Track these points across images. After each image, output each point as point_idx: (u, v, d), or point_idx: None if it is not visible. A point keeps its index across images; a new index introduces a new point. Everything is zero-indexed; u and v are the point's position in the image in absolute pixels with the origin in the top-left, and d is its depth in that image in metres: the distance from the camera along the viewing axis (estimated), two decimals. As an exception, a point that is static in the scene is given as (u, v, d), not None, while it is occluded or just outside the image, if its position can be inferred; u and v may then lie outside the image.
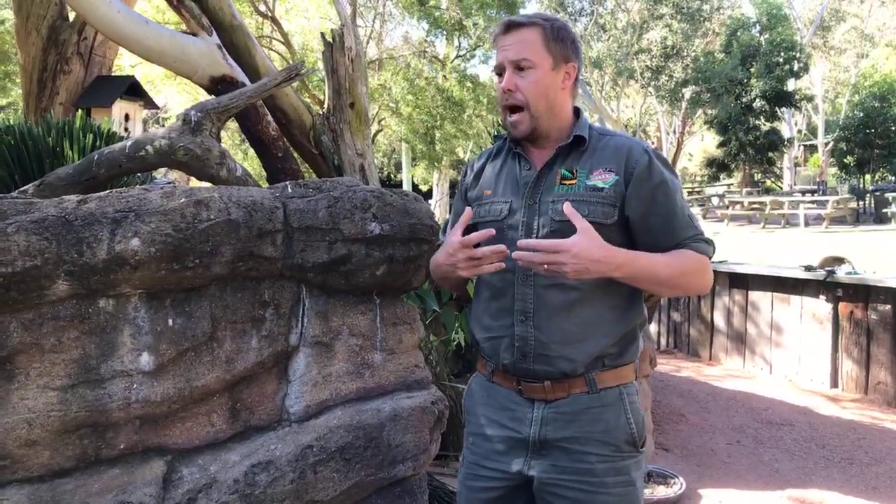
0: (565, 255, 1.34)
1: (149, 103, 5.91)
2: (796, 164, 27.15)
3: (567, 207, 1.41)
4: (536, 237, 1.50)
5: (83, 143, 3.07)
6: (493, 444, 1.56)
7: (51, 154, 3.00)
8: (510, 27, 1.54)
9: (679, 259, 1.48)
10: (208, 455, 1.81)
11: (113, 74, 5.85)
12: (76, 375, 1.65)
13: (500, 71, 1.55)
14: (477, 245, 1.47)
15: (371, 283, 2.03)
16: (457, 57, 15.34)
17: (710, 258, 1.53)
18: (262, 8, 13.52)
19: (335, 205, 1.95)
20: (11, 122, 3.14)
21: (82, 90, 5.26)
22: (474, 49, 15.28)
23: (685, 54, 21.95)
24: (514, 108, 1.53)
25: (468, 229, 1.69)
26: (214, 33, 3.08)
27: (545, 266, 1.36)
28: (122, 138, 3.24)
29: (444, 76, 14.59)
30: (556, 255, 1.35)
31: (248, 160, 14.35)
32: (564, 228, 1.47)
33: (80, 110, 4.40)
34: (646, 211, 1.49)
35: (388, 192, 2.04)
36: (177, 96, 14.46)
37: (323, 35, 3.34)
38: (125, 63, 11.00)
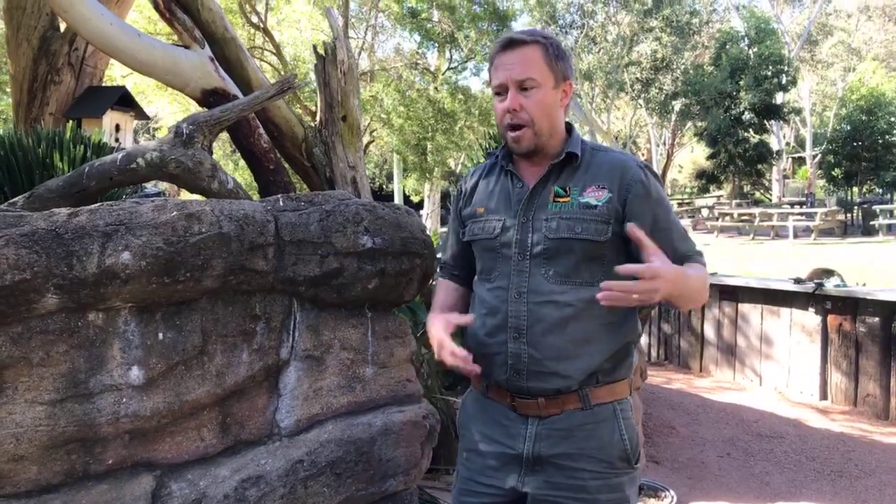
0: (659, 281, 1.31)
1: (140, 114, 5.89)
2: (785, 176, 27.37)
3: (632, 227, 1.38)
4: (530, 255, 1.50)
5: (73, 154, 3.05)
6: (487, 459, 1.55)
7: (41, 165, 2.99)
8: (511, 44, 1.51)
9: (701, 273, 1.51)
10: (198, 470, 1.80)
11: (104, 85, 5.83)
12: (64, 390, 1.64)
13: (501, 90, 1.52)
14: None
15: (363, 297, 2.03)
16: (448, 69, 15.40)
17: None
18: (255, 19, 13.54)
19: (327, 218, 1.95)
20: (1, 132, 3.13)
21: (73, 101, 5.24)
22: (466, 61, 15.36)
23: (675, 67, 22.15)
24: (517, 126, 1.52)
25: (463, 250, 1.70)
26: (207, 46, 3.08)
27: (635, 296, 1.31)
28: (112, 149, 3.23)
29: (436, 88, 14.64)
30: (651, 283, 1.30)
31: (238, 171, 14.32)
32: (558, 246, 1.48)
33: (70, 121, 4.39)
34: (650, 228, 1.49)
35: (380, 206, 2.04)
36: (168, 107, 14.43)
37: (315, 48, 3.34)
38: (116, 73, 10.98)
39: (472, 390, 1.68)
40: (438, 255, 2.12)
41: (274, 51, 13.86)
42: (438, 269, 1.84)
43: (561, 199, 1.51)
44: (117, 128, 5.41)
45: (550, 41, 1.53)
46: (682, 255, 1.51)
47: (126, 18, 5.66)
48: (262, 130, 3.34)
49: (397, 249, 2.02)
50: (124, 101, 5.54)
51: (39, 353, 1.62)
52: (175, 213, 1.74)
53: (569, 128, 1.62)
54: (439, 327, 1.54)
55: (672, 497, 3.63)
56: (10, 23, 5.14)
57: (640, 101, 23.38)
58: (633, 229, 1.38)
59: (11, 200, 2.23)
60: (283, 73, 12.91)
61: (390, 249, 2.00)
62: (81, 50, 5.19)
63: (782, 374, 6.25)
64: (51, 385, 1.63)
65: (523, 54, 1.50)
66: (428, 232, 2.12)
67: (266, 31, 13.56)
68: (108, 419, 1.67)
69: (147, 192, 5.43)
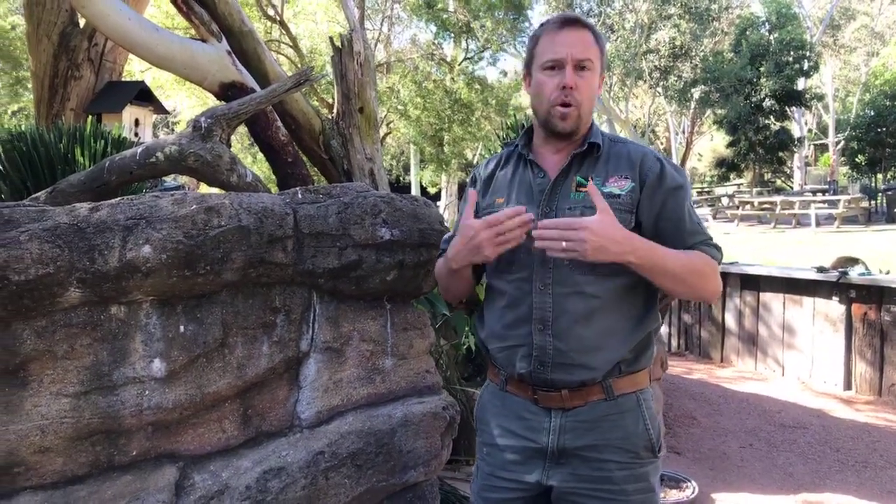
0: (585, 231, 1.33)
1: (158, 108, 5.93)
2: (807, 164, 26.97)
3: (590, 185, 1.40)
4: None
5: (94, 148, 3.08)
6: (509, 454, 1.53)
7: (62, 160, 3.02)
8: (572, 23, 1.52)
9: (691, 257, 1.48)
10: (220, 461, 1.82)
11: (123, 80, 5.88)
12: (89, 382, 1.66)
13: (555, 65, 1.51)
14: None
15: (381, 289, 2.03)
16: (465, 59, 15.34)
17: (718, 263, 1.53)
18: (271, 12, 13.56)
19: (345, 210, 1.95)
20: (23, 127, 3.16)
21: (93, 96, 5.29)
22: (482, 51, 15.28)
23: (694, 54, 21.87)
24: (568, 104, 1.50)
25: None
26: (224, 39, 3.08)
27: (563, 244, 1.34)
28: (132, 143, 3.25)
29: (453, 78, 14.58)
30: (576, 232, 1.33)
31: (256, 164, 14.39)
32: None
33: (90, 116, 4.43)
34: (657, 216, 1.50)
35: (397, 198, 2.03)
36: (187, 100, 14.52)
37: (332, 40, 3.34)
38: (135, 68, 11.07)
39: (489, 384, 1.66)
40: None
41: (290, 43, 13.88)
42: (439, 260, 1.79)
43: (584, 189, 1.49)
44: (136, 122, 5.46)
45: (598, 31, 1.55)
46: (690, 244, 1.50)
47: (144, 13, 5.69)
48: (279, 123, 3.35)
49: (415, 241, 2.01)
50: (143, 95, 5.59)
51: (64, 345, 1.64)
52: (194, 206, 1.75)
53: None
54: (462, 226, 1.48)
55: (693, 488, 3.61)
56: (31, 19, 5.19)
57: (659, 90, 23.13)
58: (590, 186, 1.40)
59: (34, 195, 2.25)
60: (299, 65, 12.93)
61: (408, 241, 2.00)
62: (101, 45, 5.23)
63: (805, 363, 6.18)
64: (75, 377, 1.65)
65: (582, 36, 1.51)
66: (446, 223, 2.11)
67: (282, 24, 13.58)
68: (132, 411, 1.69)
69: (167, 186, 5.48)
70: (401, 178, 25.03)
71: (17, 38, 13.63)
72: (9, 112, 16.71)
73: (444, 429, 2.09)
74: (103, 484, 1.68)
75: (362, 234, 1.94)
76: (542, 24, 1.58)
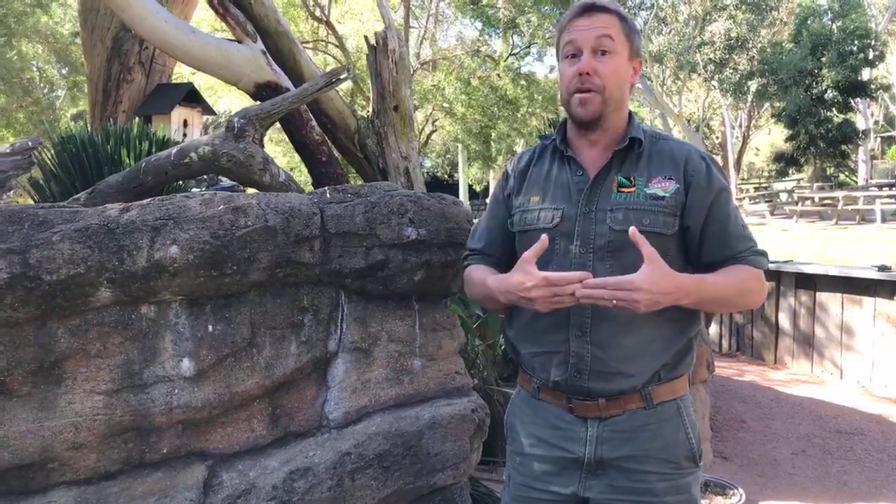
0: (638, 293, 1.27)
1: (206, 109, 6.05)
2: (873, 157, 25.82)
3: (634, 232, 1.32)
4: (592, 248, 1.42)
5: (139, 149, 3.16)
6: (543, 464, 1.48)
7: (109, 161, 3.10)
8: (590, 10, 1.45)
9: (739, 277, 1.42)
10: (248, 460, 1.83)
11: (172, 82, 6.02)
12: (120, 380, 1.69)
13: (573, 53, 1.45)
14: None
15: (409, 289, 2.01)
16: (510, 55, 15.22)
17: (764, 270, 1.46)
18: (318, 13, 13.73)
19: (372, 210, 1.94)
20: (72, 129, 3.26)
21: (143, 98, 5.43)
22: (528, 46, 15.13)
23: (751, 46, 21.17)
24: (586, 90, 1.44)
25: (504, 239, 1.60)
26: (259, 40, 3.11)
27: (614, 302, 1.28)
28: (176, 144, 3.32)
29: (498, 75, 14.48)
30: (628, 293, 1.27)
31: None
32: (622, 239, 1.38)
33: (138, 118, 4.55)
34: (704, 221, 1.43)
35: (425, 197, 2.01)
36: (237, 101, 14.83)
37: (367, 38, 3.33)
38: (185, 70, 11.34)
39: (520, 390, 1.60)
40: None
41: (337, 43, 14.02)
42: (465, 259, 1.69)
43: (626, 190, 1.43)
44: (185, 123, 5.58)
45: (626, 15, 1.49)
46: (734, 254, 1.44)
47: (192, 16, 5.82)
48: (314, 123, 3.36)
49: (442, 240, 1.99)
50: (191, 97, 5.70)
51: (97, 344, 1.68)
52: (222, 206, 1.76)
53: (629, 113, 1.54)
54: (523, 270, 1.37)
55: (741, 495, 3.48)
56: (85, 25, 5.37)
57: (714, 83, 22.47)
58: (633, 233, 1.31)
59: (75, 196, 2.32)
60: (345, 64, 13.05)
61: (435, 241, 1.97)
62: (151, 49, 5.35)
63: (865, 367, 5.90)
64: (107, 376, 1.68)
65: (602, 20, 1.44)
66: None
67: (328, 24, 13.73)
68: (162, 409, 1.71)
69: (223, 186, 5.57)
70: (448, 177, 25.01)
71: (74, 44, 14.16)
72: (68, 115, 17.40)
73: (473, 431, 2.06)
74: (134, 480, 1.72)
75: (388, 234, 1.93)
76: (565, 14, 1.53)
